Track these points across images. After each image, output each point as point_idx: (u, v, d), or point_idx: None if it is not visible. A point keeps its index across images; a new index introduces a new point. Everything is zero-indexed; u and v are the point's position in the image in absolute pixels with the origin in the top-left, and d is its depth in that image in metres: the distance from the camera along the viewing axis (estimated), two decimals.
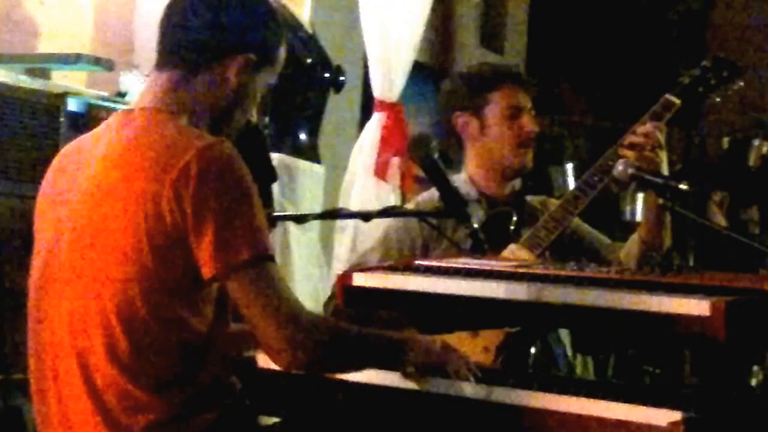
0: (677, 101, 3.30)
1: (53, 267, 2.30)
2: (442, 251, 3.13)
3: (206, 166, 2.19)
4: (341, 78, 5.19)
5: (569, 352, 3.18)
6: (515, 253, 3.10)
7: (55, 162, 2.43)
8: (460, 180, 3.44)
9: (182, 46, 2.35)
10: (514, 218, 3.28)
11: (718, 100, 3.33)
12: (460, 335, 2.38)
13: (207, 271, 2.19)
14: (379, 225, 4.24)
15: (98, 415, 2.21)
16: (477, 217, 3.31)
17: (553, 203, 3.47)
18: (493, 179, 3.43)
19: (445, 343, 2.37)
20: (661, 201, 3.07)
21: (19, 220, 3.47)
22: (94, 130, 2.41)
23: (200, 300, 2.25)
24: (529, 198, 3.50)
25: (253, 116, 2.49)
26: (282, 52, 2.43)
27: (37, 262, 2.35)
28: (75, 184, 2.31)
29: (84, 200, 2.27)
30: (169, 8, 2.39)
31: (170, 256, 2.19)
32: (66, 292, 2.26)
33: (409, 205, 3.53)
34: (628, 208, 5.33)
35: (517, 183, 3.48)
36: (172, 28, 2.38)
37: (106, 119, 2.43)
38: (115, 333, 2.20)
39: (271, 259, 2.22)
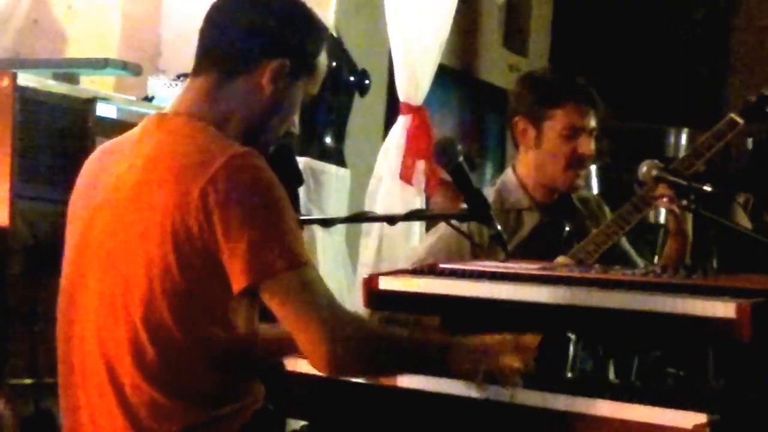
0: (741, 121, 3.22)
1: (82, 272, 2.28)
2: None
3: (234, 176, 2.15)
4: (366, 82, 5.22)
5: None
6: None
7: (87, 164, 2.41)
8: (511, 180, 3.46)
9: (216, 51, 2.33)
10: (567, 229, 3.29)
11: None
12: None
13: (238, 283, 2.16)
14: (406, 228, 4.25)
15: (126, 420, 2.20)
16: (529, 225, 3.33)
17: (592, 199, 3.49)
18: (541, 189, 3.45)
19: (484, 344, 2.31)
20: (684, 203, 3.08)
21: (50, 224, 3.48)
22: (128, 133, 2.38)
23: (230, 310, 2.21)
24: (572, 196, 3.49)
25: (296, 126, 2.45)
26: (322, 61, 2.39)
27: (66, 266, 2.34)
28: (105, 189, 2.29)
29: (113, 206, 2.26)
30: (209, 14, 2.37)
31: (197, 267, 2.16)
32: (94, 299, 2.25)
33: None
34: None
35: None
36: (208, 33, 2.35)
37: (135, 123, 2.41)
38: (143, 342, 2.18)
39: (305, 265, 2.18)
